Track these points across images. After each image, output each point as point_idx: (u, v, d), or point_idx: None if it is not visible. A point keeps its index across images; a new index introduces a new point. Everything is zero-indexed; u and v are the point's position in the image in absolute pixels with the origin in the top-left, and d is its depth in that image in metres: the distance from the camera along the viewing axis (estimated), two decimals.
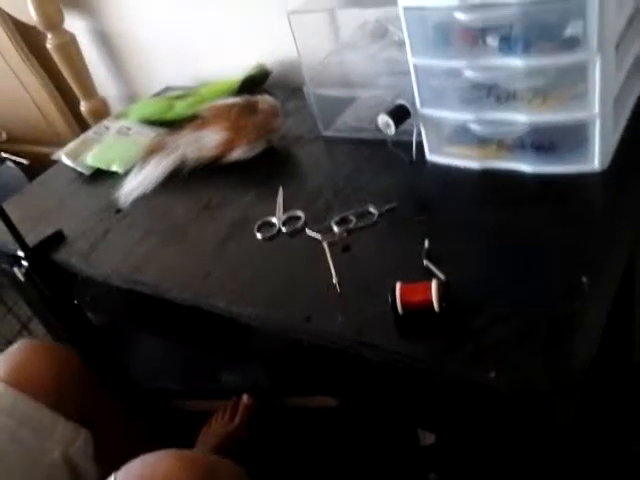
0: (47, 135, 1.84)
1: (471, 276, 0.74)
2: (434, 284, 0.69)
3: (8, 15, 1.57)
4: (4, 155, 0.85)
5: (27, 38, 1.63)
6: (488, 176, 0.89)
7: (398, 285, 0.71)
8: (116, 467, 0.82)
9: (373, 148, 1.03)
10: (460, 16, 0.76)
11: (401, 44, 1.00)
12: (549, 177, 0.85)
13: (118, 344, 1.40)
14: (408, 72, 0.88)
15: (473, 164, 0.90)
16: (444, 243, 0.80)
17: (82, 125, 1.72)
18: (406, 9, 0.81)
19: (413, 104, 0.91)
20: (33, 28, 1.54)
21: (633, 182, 0.82)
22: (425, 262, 0.76)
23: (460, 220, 0.85)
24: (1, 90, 1.78)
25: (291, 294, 0.80)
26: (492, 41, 0.78)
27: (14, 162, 0.83)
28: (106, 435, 1.01)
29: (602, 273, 0.70)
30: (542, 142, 0.83)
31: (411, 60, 0.85)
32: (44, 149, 1.88)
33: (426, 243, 0.79)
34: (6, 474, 0.86)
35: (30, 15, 1.47)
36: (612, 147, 0.84)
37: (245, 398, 1.33)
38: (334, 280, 0.79)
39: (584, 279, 0.68)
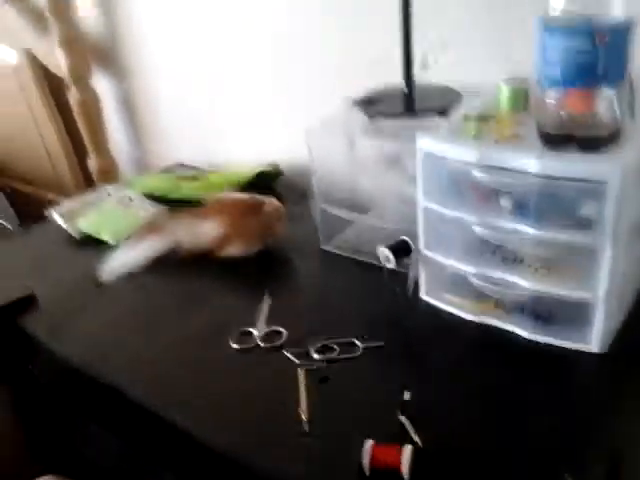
0: (51, 182, 1.83)
1: (449, 442, 0.70)
2: (406, 450, 0.65)
3: (39, 62, 1.60)
4: None
5: (52, 85, 1.65)
6: (482, 331, 0.86)
7: (369, 443, 0.66)
8: None
9: (370, 273, 1.00)
10: (476, 173, 0.75)
11: (412, 180, 1.00)
12: (545, 346, 0.82)
13: (68, 417, 1.32)
14: (417, 206, 0.87)
15: (468, 316, 0.87)
16: (426, 396, 0.76)
17: (88, 180, 1.71)
18: (424, 153, 0.80)
19: (416, 242, 0.89)
20: (59, 78, 1.56)
21: (631, 369, 0.79)
22: (401, 418, 0.72)
23: (446, 373, 0.81)
24: (16, 129, 1.79)
25: (255, 422, 0.75)
26: (505, 203, 0.77)
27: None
28: None
29: (585, 472, 0.66)
30: (542, 311, 0.81)
31: (421, 202, 0.84)
32: (46, 193, 1.88)
33: (406, 395, 0.75)
34: None
35: (59, 66, 1.50)
36: (614, 329, 0.81)
37: None
38: (303, 417, 0.74)
39: (567, 477, 0.64)
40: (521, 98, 0.84)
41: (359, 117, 1.00)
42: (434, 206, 0.83)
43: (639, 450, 0.72)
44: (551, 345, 0.81)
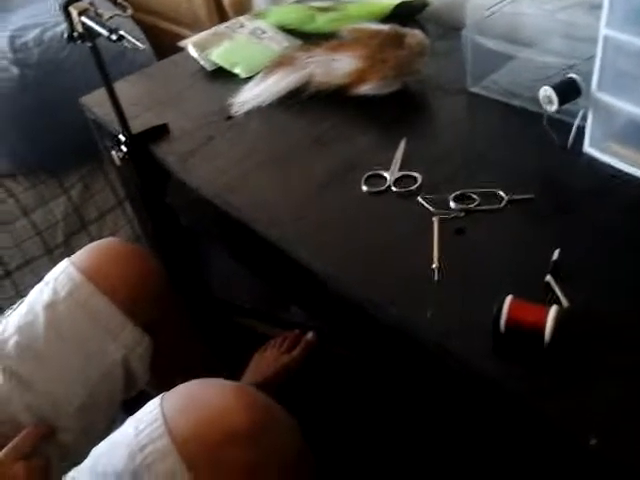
0: (186, 17, 1.78)
1: (602, 307, 0.62)
2: (553, 310, 0.57)
3: None
4: (122, 33, 0.78)
5: None
6: None
7: (509, 298, 0.59)
8: (168, 380, 0.79)
9: (523, 119, 0.88)
10: None
11: (591, 7, 0.83)
12: None
13: (199, 247, 1.37)
14: (590, 42, 0.72)
15: None
16: (579, 258, 0.67)
17: (222, 14, 1.64)
18: None
19: (587, 83, 0.75)
20: None
21: None
22: (548, 278, 0.64)
23: (606, 235, 0.70)
24: None
25: (382, 266, 0.70)
26: None
27: (130, 42, 0.76)
28: (167, 346, 0.99)
29: None
30: None
31: (603, 30, 0.69)
32: (180, 30, 1.84)
33: (556, 254, 0.66)
34: (66, 366, 0.85)
35: None
36: None
37: (310, 335, 1.28)
38: (434, 265, 0.68)
39: None
40: None
41: None
42: (621, 35, 0.68)
43: None
44: None
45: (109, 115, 0.98)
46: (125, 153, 0.97)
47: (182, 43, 1.18)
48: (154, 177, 1.01)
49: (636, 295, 0.63)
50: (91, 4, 0.85)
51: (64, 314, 0.86)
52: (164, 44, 1.60)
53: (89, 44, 0.87)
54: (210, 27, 1.63)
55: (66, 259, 0.93)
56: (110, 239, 1.03)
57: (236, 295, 1.44)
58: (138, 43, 0.78)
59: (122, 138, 0.97)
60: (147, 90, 1.13)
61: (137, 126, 0.98)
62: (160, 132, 0.99)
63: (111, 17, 0.85)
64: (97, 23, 0.82)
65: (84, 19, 0.83)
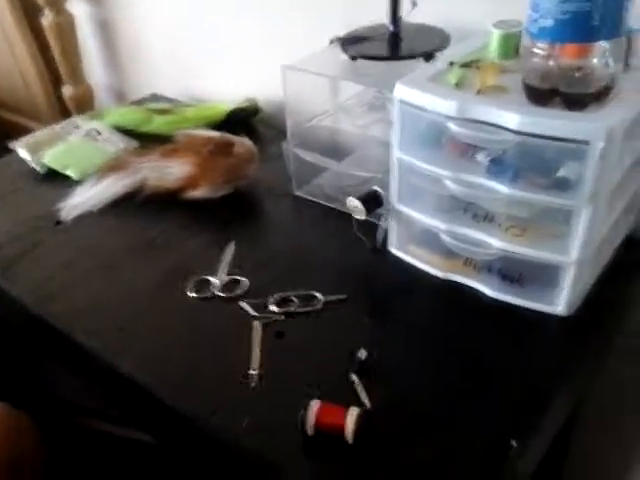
0: (27, 108, 1.75)
1: (402, 404, 0.67)
2: (351, 413, 0.62)
3: None
4: None
5: (27, 8, 1.55)
6: (449, 288, 0.83)
7: (314, 402, 0.63)
8: None
9: (342, 222, 0.95)
10: (452, 127, 0.70)
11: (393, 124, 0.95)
12: (511, 306, 0.79)
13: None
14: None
15: (436, 272, 0.83)
16: (385, 354, 0.73)
17: (63, 108, 1.64)
18: (401, 102, 0.74)
19: (388, 195, 0.85)
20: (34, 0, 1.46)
21: (595, 333, 0.77)
22: (353, 377, 0.69)
23: (409, 330, 0.78)
24: None
25: (205, 375, 0.72)
26: (482, 159, 0.72)
27: None
28: None
29: (535, 434, 0.64)
30: (510, 272, 0.77)
31: (395, 153, 0.79)
32: (22, 120, 1.80)
33: (362, 354, 0.72)
34: None
35: None
36: (582, 293, 0.78)
37: None
38: (254, 370, 0.72)
39: (513, 443, 0.62)
40: (512, 44, 0.77)
41: (341, 57, 0.93)
42: (408, 158, 0.78)
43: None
44: (516, 305, 0.78)
45: None
46: None
47: (13, 145, 1.16)
48: None
49: (435, 385, 0.70)
50: None
51: None
52: (6, 134, 1.56)
53: None
54: (51, 119, 1.63)
55: None
56: None
57: (76, 397, 1.37)
58: None
59: None
60: None
61: None
62: None
63: None
64: None
65: None
